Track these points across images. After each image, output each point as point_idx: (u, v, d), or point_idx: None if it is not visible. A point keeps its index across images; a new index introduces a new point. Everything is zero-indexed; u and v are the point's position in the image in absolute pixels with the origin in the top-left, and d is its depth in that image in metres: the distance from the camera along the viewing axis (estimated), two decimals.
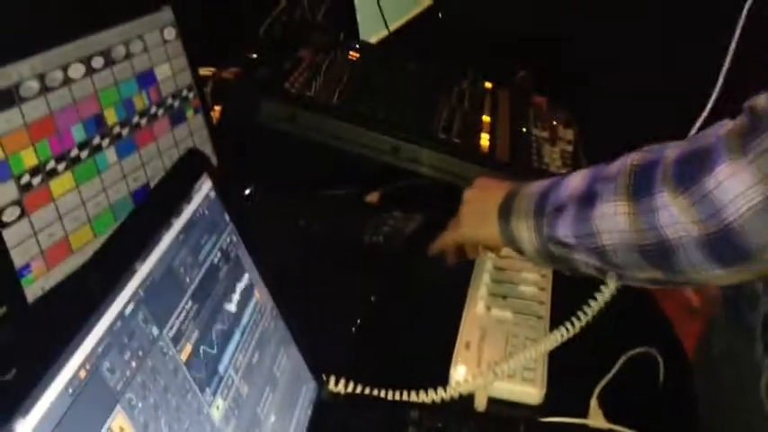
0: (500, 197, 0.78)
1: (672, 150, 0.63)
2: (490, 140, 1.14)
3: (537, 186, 0.75)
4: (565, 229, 0.69)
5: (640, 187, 0.63)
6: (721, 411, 0.83)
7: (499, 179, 0.86)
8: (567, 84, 1.66)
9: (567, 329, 0.78)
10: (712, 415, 0.81)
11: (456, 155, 1.08)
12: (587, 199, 0.67)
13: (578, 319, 0.79)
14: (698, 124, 0.81)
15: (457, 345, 0.80)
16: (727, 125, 0.60)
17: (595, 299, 0.78)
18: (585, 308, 0.79)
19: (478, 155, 1.10)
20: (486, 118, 1.21)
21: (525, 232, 0.73)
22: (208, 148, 1.00)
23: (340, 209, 1.05)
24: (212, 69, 1.25)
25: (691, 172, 0.59)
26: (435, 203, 1.04)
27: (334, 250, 0.96)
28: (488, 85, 1.36)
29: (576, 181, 0.70)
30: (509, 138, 1.17)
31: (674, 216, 0.60)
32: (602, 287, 0.77)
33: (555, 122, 1.28)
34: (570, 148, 1.21)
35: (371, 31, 1.55)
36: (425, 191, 1.09)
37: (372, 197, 1.10)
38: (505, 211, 0.76)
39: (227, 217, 0.62)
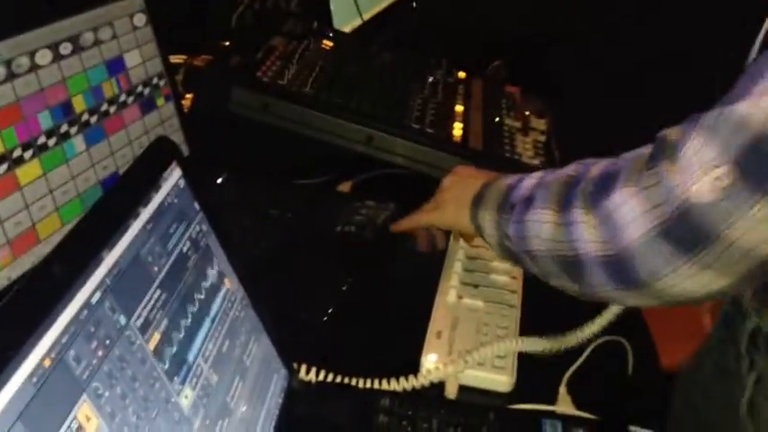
0: (477, 186, 0.79)
1: (596, 167, 0.64)
2: (463, 130, 1.14)
3: (507, 180, 0.76)
4: (512, 229, 0.71)
5: (564, 198, 0.65)
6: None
7: (479, 169, 0.87)
8: (541, 74, 1.68)
9: (547, 344, 0.79)
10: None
11: (429, 144, 1.08)
12: (527, 202, 0.69)
13: (564, 336, 0.79)
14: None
15: (428, 333, 0.80)
16: (640, 149, 0.61)
17: (589, 325, 0.79)
18: (578, 331, 0.79)
19: (451, 144, 1.10)
20: (459, 108, 1.21)
21: (489, 223, 0.75)
22: (179, 137, 0.99)
23: (312, 198, 1.04)
24: (183, 57, 1.23)
25: (599, 192, 0.61)
26: (408, 193, 1.04)
27: (306, 239, 0.95)
28: (462, 74, 1.36)
29: (531, 182, 0.72)
30: (482, 127, 1.18)
31: (583, 232, 0.62)
32: (602, 313, 0.78)
33: (528, 112, 1.29)
34: (543, 138, 1.22)
35: (345, 20, 1.55)
36: (398, 180, 1.09)
37: (345, 186, 1.10)
38: (478, 201, 0.77)
39: (196, 206, 0.62)
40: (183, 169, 0.61)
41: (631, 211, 0.57)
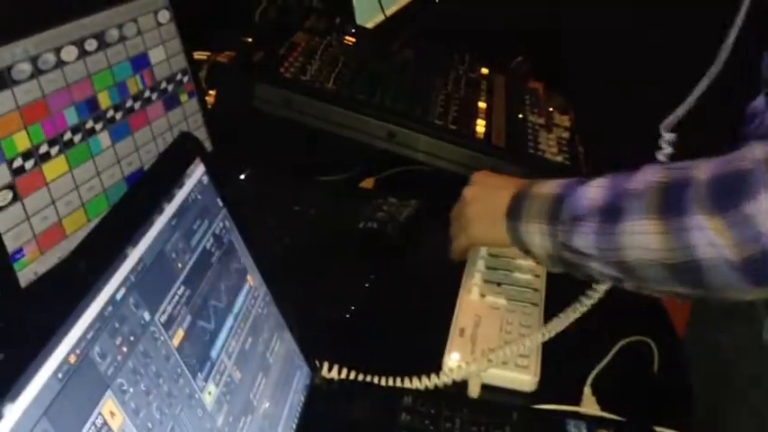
0: (506, 197, 0.78)
1: (703, 171, 0.63)
2: (486, 126, 1.13)
3: (549, 188, 0.74)
4: (585, 241, 0.69)
5: (672, 206, 0.63)
6: (718, 379, 0.83)
7: (499, 175, 0.86)
8: (565, 69, 1.66)
9: (563, 319, 0.78)
10: (707, 388, 0.81)
11: (451, 141, 1.07)
12: (612, 213, 0.67)
13: (574, 310, 0.79)
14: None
15: (451, 331, 0.80)
16: (760, 148, 0.60)
17: (593, 290, 0.78)
18: (583, 298, 0.79)
19: (474, 141, 1.09)
20: (481, 104, 1.20)
21: (537, 236, 0.73)
22: (202, 133, 1.00)
23: (335, 194, 1.04)
24: (207, 53, 1.24)
25: (728, 195, 0.60)
26: (430, 190, 1.04)
27: (329, 236, 0.95)
28: (484, 70, 1.35)
29: (596, 192, 0.70)
30: (505, 124, 1.17)
31: (709, 237, 0.60)
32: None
33: (551, 109, 1.27)
34: (566, 135, 1.20)
35: (368, 16, 1.54)
36: (421, 177, 1.09)
37: (367, 183, 1.09)
38: (515, 214, 0.76)
39: (219, 202, 0.62)
40: (207, 165, 0.61)
41: None
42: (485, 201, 0.82)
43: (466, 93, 1.22)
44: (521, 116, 1.22)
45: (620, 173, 0.70)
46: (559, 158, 1.13)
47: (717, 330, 0.81)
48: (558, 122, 1.24)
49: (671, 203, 0.63)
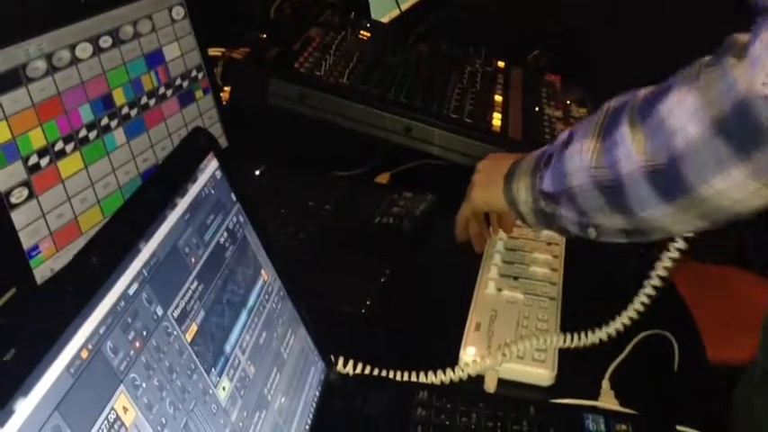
0: (509, 165, 0.79)
1: (645, 88, 0.62)
2: (502, 120, 1.12)
3: (540, 150, 0.75)
4: (549, 179, 0.70)
5: (609, 124, 0.63)
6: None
7: (510, 154, 0.86)
8: (582, 62, 1.64)
9: (584, 336, 0.77)
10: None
11: (467, 134, 1.06)
12: (566, 141, 0.68)
13: (601, 329, 0.78)
14: None
15: (467, 326, 0.79)
16: (702, 59, 0.59)
17: (627, 311, 0.77)
18: (612, 323, 0.77)
19: (490, 134, 1.09)
20: (498, 97, 1.19)
21: (523, 191, 0.74)
22: (217, 129, 1.00)
23: (350, 189, 1.04)
24: (222, 50, 1.24)
25: (650, 103, 0.59)
26: (446, 184, 1.03)
27: (344, 231, 0.95)
28: (501, 64, 1.34)
29: (567, 129, 0.71)
30: (521, 117, 1.16)
31: (629, 149, 0.60)
32: (636, 299, 0.77)
33: (568, 101, 1.26)
34: None
35: (383, 11, 1.54)
36: (436, 171, 1.08)
37: (383, 178, 1.09)
38: (510, 175, 0.77)
39: (233, 197, 0.62)
40: (220, 160, 0.61)
41: (686, 111, 0.55)
42: (490, 169, 0.83)
43: (482, 86, 1.21)
44: (537, 109, 1.21)
45: None
46: None
47: (754, 390, 0.79)
48: (576, 115, 1.22)
49: (609, 121, 0.63)
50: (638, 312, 0.77)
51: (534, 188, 0.72)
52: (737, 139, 0.53)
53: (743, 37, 0.55)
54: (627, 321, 0.77)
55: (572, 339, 0.77)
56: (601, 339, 0.77)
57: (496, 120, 1.12)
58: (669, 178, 0.58)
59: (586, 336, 0.77)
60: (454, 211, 0.90)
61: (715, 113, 0.54)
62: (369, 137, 1.07)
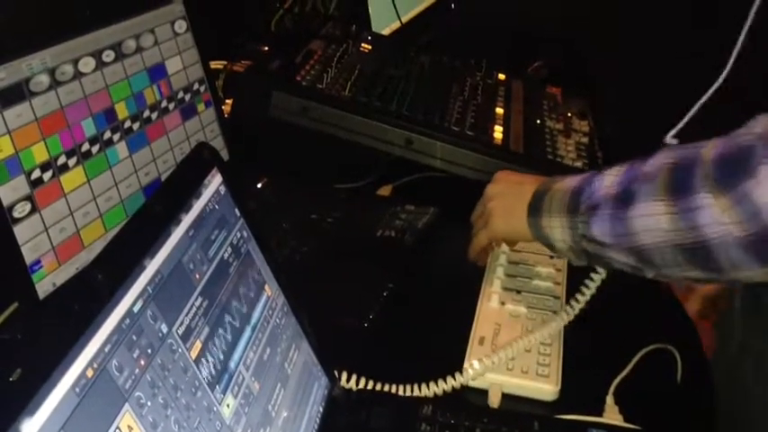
0: (528, 193, 0.78)
1: (710, 149, 0.62)
2: (503, 132, 1.13)
3: (568, 183, 0.74)
4: (601, 229, 0.69)
5: (679, 186, 0.63)
6: (741, 405, 0.82)
7: (521, 174, 0.86)
8: (583, 74, 1.65)
9: (568, 312, 0.79)
10: (732, 412, 0.80)
11: (469, 147, 1.06)
12: (624, 198, 0.67)
13: (577, 301, 0.79)
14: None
15: (471, 340, 0.79)
16: (762, 121, 0.59)
17: (591, 280, 0.79)
18: (583, 288, 0.80)
19: (492, 147, 1.09)
20: (499, 110, 1.19)
21: (558, 230, 0.73)
22: (219, 142, 1.00)
23: (352, 202, 1.04)
24: (224, 62, 1.24)
25: (731, 172, 0.59)
26: (449, 197, 1.03)
27: (347, 244, 0.95)
28: (502, 76, 1.34)
29: (611, 179, 0.70)
30: (523, 129, 1.16)
31: (715, 216, 0.60)
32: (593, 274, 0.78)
33: (570, 114, 1.26)
34: (585, 140, 1.19)
35: (384, 23, 1.54)
36: (438, 184, 1.08)
37: (385, 190, 1.09)
38: (536, 209, 0.76)
39: (237, 212, 0.62)
40: (224, 175, 0.61)
41: None
42: (507, 196, 0.82)
43: (483, 99, 1.22)
44: (539, 122, 1.21)
45: (637, 159, 0.70)
46: (578, 164, 1.12)
47: (738, 354, 0.80)
48: (577, 128, 1.23)
49: (679, 184, 0.63)
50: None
51: (575, 230, 0.71)
52: None
53: None
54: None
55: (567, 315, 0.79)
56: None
57: (498, 132, 1.12)
58: (765, 246, 0.59)
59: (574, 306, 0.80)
60: (456, 224, 0.90)
61: None
62: (370, 149, 1.07)
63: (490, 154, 1.06)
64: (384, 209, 1.01)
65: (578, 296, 0.81)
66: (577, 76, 1.62)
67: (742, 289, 0.80)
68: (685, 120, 0.80)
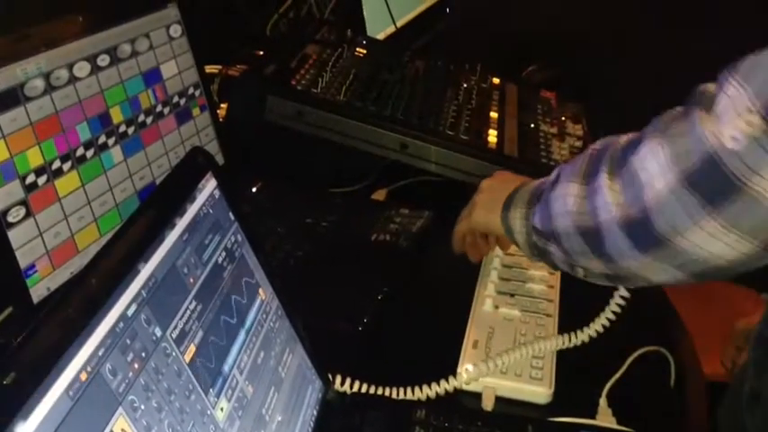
0: (510, 190, 0.79)
1: (625, 136, 0.63)
2: (498, 136, 1.13)
3: (540, 179, 0.75)
4: (539, 216, 0.70)
5: (591, 169, 0.64)
6: None
7: (518, 175, 0.86)
8: (577, 78, 1.65)
9: (576, 335, 0.79)
10: None
11: (463, 151, 1.07)
12: (554, 182, 0.69)
13: (590, 325, 0.79)
14: None
15: (464, 343, 0.79)
16: (666, 115, 0.60)
17: (610, 305, 0.78)
18: (602, 314, 0.79)
19: (486, 151, 1.09)
20: (493, 114, 1.20)
21: (518, 221, 0.74)
22: (214, 146, 1.00)
23: (347, 206, 1.04)
24: (219, 67, 1.24)
25: (626, 153, 0.60)
26: (443, 200, 1.03)
27: (342, 248, 0.95)
28: (496, 80, 1.35)
29: (558, 167, 0.71)
30: (517, 133, 1.16)
31: (605, 197, 0.61)
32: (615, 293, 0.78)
33: (564, 118, 1.27)
34: (579, 144, 1.20)
35: (379, 28, 1.55)
36: (433, 188, 1.08)
37: (379, 194, 1.09)
38: (508, 203, 0.77)
39: (231, 216, 0.62)
40: (218, 179, 0.61)
41: (656, 163, 0.56)
42: (493, 191, 0.83)
43: (478, 103, 1.22)
44: (533, 125, 1.21)
45: None
46: None
47: (744, 412, 0.80)
48: (571, 131, 1.23)
49: (592, 166, 0.64)
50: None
51: (527, 221, 0.73)
52: (708, 192, 0.54)
53: (712, 87, 0.56)
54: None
55: (565, 341, 0.78)
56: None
57: (492, 136, 1.13)
58: (642, 228, 0.58)
59: (576, 336, 0.79)
60: (451, 228, 0.91)
61: (685, 167, 0.54)
62: (365, 153, 1.07)
63: (484, 158, 1.07)
64: (379, 213, 1.01)
65: (594, 324, 0.81)
66: (572, 80, 1.63)
67: (758, 341, 0.80)
68: None
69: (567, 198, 0.65)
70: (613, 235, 0.61)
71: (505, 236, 0.77)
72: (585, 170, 0.65)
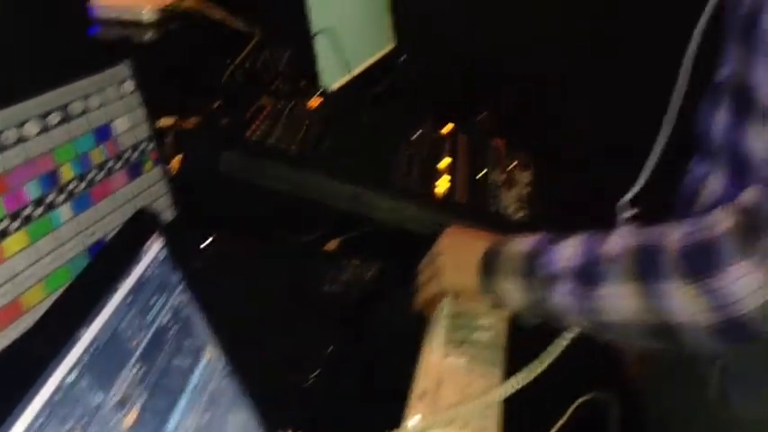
0: (479, 250, 0.81)
1: (674, 238, 0.66)
2: (448, 185, 1.16)
3: (521, 246, 0.78)
4: (563, 300, 0.72)
5: (647, 271, 0.66)
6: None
7: (470, 230, 0.88)
8: (527, 124, 1.70)
9: (521, 378, 0.80)
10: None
11: (414, 201, 1.09)
12: (589, 276, 0.70)
13: (533, 368, 0.80)
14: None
15: (412, 394, 0.81)
16: (727, 219, 0.63)
17: (552, 347, 0.80)
18: (542, 355, 0.81)
19: (436, 200, 1.12)
20: (444, 163, 1.23)
21: (515, 292, 0.76)
22: (166, 200, 1.01)
23: (299, 258, 1.05)
24: (173, 119, 1.25)
25: (701, 266, 0.63)
26: (395, 251, 1.05)
27: (292, 300, 0.96)
28: (448, 127, 1.38)
29: (570, 252, 0.73)
30: (467, 182, 1.19)
31: (683, 303, 0.64)
32: (558, 339, 0.80)
33: (513, 165, 1.30)
34: (527, 191, 1.23)
35: (334, 77, 1.58)
36: (384, 238, 1.10)
37: (331, 245, 1.10)
38: (488, 268, 0.79)
39: (177, 276, 0.63)
40: (165, 239, 0.62)
41: (752, 284, 0.61)
42: (458, 251, 0.85)
43: (429, 151, 1.25)
44: (483, 174, 1.24)
45: (592, 234, 0.73)
46: (520, 215, 1.15)
47: (663, 392, 0.84)
48: (520, 179, 1.26)
49: (646, 268, 0.66)
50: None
51: (533, 293, 0.74)
52: None
53: (748, 198, 0.62)
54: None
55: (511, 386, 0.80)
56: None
57: (443, 185, 1.15)
58: (734, 331, 0.63)
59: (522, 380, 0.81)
60: (402, 278, 0.92)
61: None
62: (318, 204, 1.09)
63: (434, 207, 1.09)
64: (330, 264, 1.02)
65: (531, 366, 0.82)
66: (522, 125, 1.67)
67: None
68: (636, 188, 0.84)
69: (624, 299, 0.67)
70: (696, 333, 0.64)
71: (483, 298, 0.79)
72: (638, 270, 0.67)
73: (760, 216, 0.61)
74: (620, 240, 0.70)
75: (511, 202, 1.18)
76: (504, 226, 1.09)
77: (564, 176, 1.45)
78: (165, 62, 1.27)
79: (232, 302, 0.93)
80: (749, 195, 0.63)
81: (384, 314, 0.98)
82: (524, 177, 1.27)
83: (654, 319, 0.66)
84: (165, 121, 1.21)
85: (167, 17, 1.38)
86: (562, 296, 0.72)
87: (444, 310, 0.92)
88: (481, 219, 1.10)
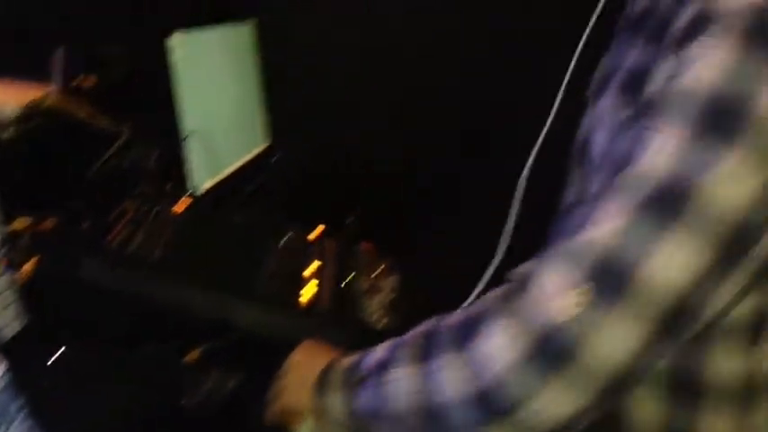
0: (318, 368, 0.81)
1: (451, 317, 0.69)
2: (313, 293, 1.17)
3: (346, 360, 0.78)
4: (366, 400, 0.72)
5: (427, 351, 0.68)
6: None
7: (322, 347, 0.89)
8: (395, 228, 1.75)
9: None
10: None
11: (277, 310, 1.09)
12: (383, 365, 0.72)
13: None
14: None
15: None
16: (500, 290, 0.68)
17: None
18: None
19: (299, 309, 1.12)
20: (310, 270, 1.24)
21: (337, 407, 0.76)
22: (14, 309, 0.96)
23: (158, 369, 1.02)
24: (29, 219, 1.21)
25: (466, 334, 0.65)
26: (257, 360, 1.04)
27: (149, 415, 0.93)
28: (317, 232, 1.40)
29: (380, 351, 0.74)
30: (332, 289, 1.21)
31: (450, 374, 0.65)
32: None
33: (378, 271, 1.33)
34: (391, 297, 1.26)
35: (204, 178, 1.57)
36: (248, 347, 1.09)
37: (193, 355, 1.08)
38: (320, 387, 0.78)
39: (18, 404, 0.60)
40: (9, 364, 0.60)
41: (500, 341, 0.62)
42: (300, 371, 0.84)
43: (296, 258, 1.26)
44: (348, 281, 1.27)
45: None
46: (384, 321, 1.18)
47: None
48: (384, 285, 1.30)
49: (426, 348, 0.69)
50: None
51: (347, 406, 0.74)
52: (547, 362, 0.60)
53: (525, 271, 0.65)
54: None
55: None
56: None
57: (308, 293, 1.16)
58: (490, 400, 0.63)
59: None
60: (266, 390, 0.91)
61: (525, 343, 0.61)
62: (180, 313, 1.07)
63: (297, 316, 1.10)
64: (191, 374, 1.00)
65: None
66: (390, 229, 1.72)
67: None
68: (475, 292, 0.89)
69: (403, 381, 0.68)
70: (459, 410, 0.64)
71: (319, 419, 0.79)
72: (420, 351, 0.69)
73: (526, 279, 0.64)
74: (418, 327, 0.73)
75: (375, 309, 1.20)
76: (369, 333, 1.11)
77: (428, 277, 1.49)
78: (23, 160, 1.23)
79: (81, 418, 0.89)
80: (524, 267, 0.67)
81: (247, 427, 0.96)
82: (389, 283, 1.31)
83: (427, 400, 0.67)
84: (20, 223, 1.16)
85: (28, 114, 1.35)
86: (365, 395, 0.72)
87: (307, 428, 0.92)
88: (345, 327, 1.11)
